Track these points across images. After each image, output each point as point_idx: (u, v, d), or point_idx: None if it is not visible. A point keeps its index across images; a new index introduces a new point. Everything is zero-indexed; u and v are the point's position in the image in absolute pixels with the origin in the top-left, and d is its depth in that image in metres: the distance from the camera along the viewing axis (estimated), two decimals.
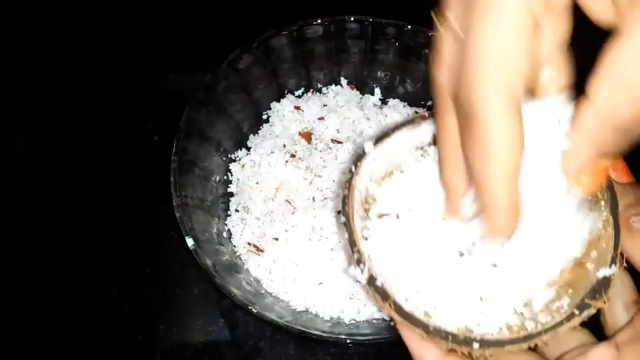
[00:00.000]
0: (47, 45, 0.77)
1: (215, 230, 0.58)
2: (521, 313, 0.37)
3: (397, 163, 0.42)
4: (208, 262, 0.50)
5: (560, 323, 0.34)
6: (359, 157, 0.40)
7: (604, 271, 0.35)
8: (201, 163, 0.59)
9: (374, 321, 0.54)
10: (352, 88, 0.67)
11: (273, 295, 0.55)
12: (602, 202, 0.36)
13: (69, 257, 0.62)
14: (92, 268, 0.62)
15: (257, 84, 0.64)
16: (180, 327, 0.59)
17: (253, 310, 0.48)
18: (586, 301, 0.34)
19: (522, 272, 0.38)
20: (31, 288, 0.61)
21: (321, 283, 0.54)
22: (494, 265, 0.38)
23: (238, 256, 0.58)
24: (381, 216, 0.40)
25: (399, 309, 0.36)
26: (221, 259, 0.54)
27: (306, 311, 0.54)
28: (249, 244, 0.58)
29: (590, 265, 0.36)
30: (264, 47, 0.61)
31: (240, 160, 0.64)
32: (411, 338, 0.35)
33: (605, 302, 0.34)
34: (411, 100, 0.66)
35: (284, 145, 0.62)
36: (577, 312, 0.34)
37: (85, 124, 0.71)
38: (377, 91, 0.67)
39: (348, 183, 0.39)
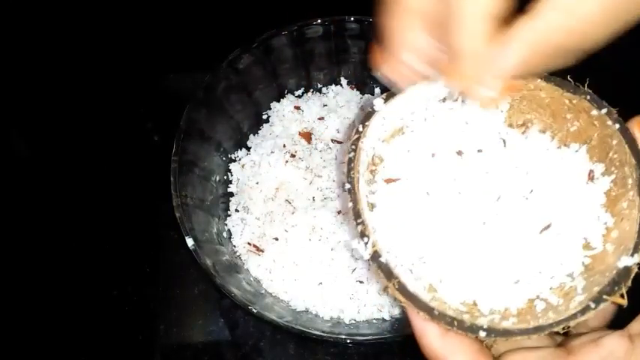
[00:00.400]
0: (47, 45, 0.76)
1: (215, 230, 0.58)
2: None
3: (407, 121, 0.38)
4: (208, 262, 0.50)
5: (574, 316, 0.32)
6: (367, 115, 0.36)
7: (625, 260, 0.32)
8: (201, 163, 0.59)
9: (374, 321, 0.54)
10: (352, 88, 0.67)
11: (273, 295, 0.55)
12: (630, 181, 0.34)
13: (69, 257, 0.62)
14: (92, 268, 0.62)
15: (257, 84, 0.64)
16: (180, 327, 0.59)
17: (253, 310, 0.48)
18: (604, 296, 0.32)
19: (535, 249, 0.36)
20: (31, 288, 0.61)
21: (321, 283, 0.54)
22: (507, 239, 0.36)
23: (238, 256, 0.58)
24: (389, 181, 0.38)
25: (403, 289, 0.33)
26: (221, 259, 0.54)
27: (306, 311, 0.54)
28: (249, 244, 0.58)
29: (609, 247, 0.34)
30: (264, 47, 0.61)
31: (240, 160, 0.64)
32: (414, 315, 0.34)
33: (623, 296, 0.32)
34: None
35: (284, 145, 0.62)
36: (592, 305, 0.32)
37: (85, 124, 0.71)
38: (377, 91, 0.67)
39: (354, 145, 0.35)
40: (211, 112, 0.59)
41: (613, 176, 0.35)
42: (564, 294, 0.34)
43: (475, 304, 0.35)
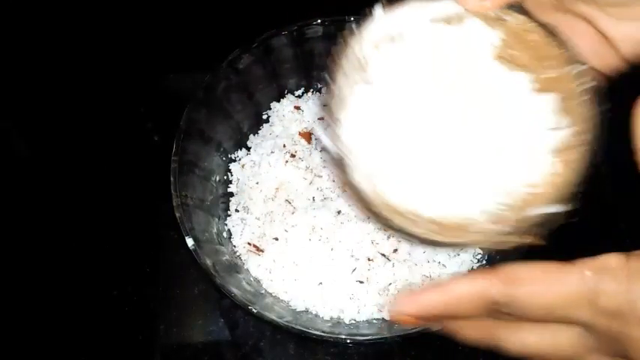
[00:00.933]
0: (47, 45, 0.76)
1: (215, 230, 0.58)
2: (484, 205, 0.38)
3: (401, 32, 0.39)
4: (208, 262, 0.50)
5: (491, 244, 0.37)
6: (364, 19, 0.38)
7: (551, 208, 0.38)
8: (201, 163, 0.59)
9: (374, 321, 0.54)
10: None
11: (273, 295, 0.55)
12: (583, 137, 0.39)
13: (69, 257, 0.62)
14: (92, 268, 0.62)
15: (257, 84, 0.64)
16: (180, 327, 0.59)
17: (253, 310, 0.48)
18: (519, 237, 0.38)
19: (483, 172, 0.38)
20: (31, 288, 0.61)
21: (321, 283, 0.54)
22: (461, 156, 0.38)
23: (238, 256, 0.58)
24: (370, 82, 0.39)
25: (351, 185, 0.37)
26: (221, 259, 0.54)
27: (306, 311, 0.54)
28: (249, 244, 0.58)
29: (548, 188, 0.39)
30: (264, 47, 0.61)
31: (240, 160, 0.64)
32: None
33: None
34: None
35: (284, 145, 0.62)
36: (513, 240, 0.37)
37: (85, 124, 0.70)
38: None
39: (345, 41, 0.38)
40: (211, 112, 0.59)
41: (571, 129, 0.39)
42: (496, 218, 0.37)
43: (419, 211, 0.37)
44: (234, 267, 0.56)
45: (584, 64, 0.37)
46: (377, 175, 0.38)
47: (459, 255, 0.56)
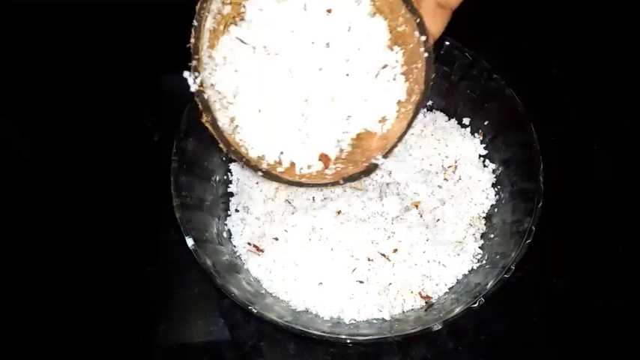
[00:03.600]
0: (48, 46, 0.77)
1: (215, 230, 0.58)
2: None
3: None
4: (208, 262, 0.50)
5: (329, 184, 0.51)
6: None
7: (377, 159, 0.50)
8: (201, 163, 0.59)
9: (374, 321, 0.54)
10: None
11: (273, 295, 0.55)
12: (414, 97, 0.47)
13: (69, 257, 0.62)
14: (92, 268, 0.62)
15: None
16: (180, 327, 0.59)
17: (253, 310, 0.48)
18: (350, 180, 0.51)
19: (329, 115, 0.47)
20: (32, 288, 0.61)
21: (321, 283, 0.54)
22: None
23: (238, 256, 0.58)
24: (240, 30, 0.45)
25: (214, 124, 0.47)
26: (221, 259, 0.54)
27: (306, 311, 0.54)
28: (249, 244, 0.58)
29: (379, 137, 0.49)
30: None
31: None
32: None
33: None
34: None
35: None
36: (341, 182, 0.51)
37: (86, 124, 0.71)
38: None
39: None
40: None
41: (407, 85, 0.48)
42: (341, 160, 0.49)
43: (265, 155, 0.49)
44: (234, 267, 0.56)
45: (420, 17, 0.44)
46: (237, 123, 0.47)
47: (458, 255, 0.56)
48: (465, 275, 0.56)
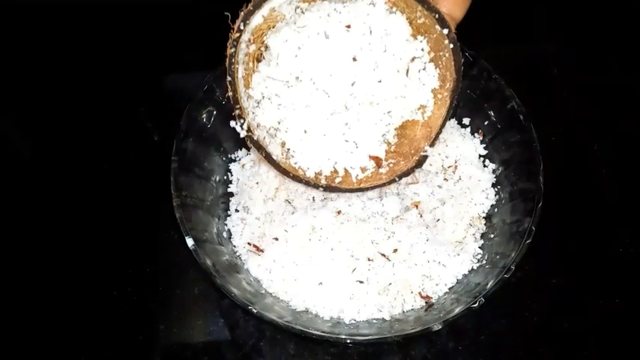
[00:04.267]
0: (48, 46, 0.77)
1: (215, 230, 0.58)
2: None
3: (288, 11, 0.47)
4: (208, 262, 0.50)
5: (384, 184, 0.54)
6: (247, 14, 0.44)
7: (426, 150, 0.53)
8: (201, 163, 0.59)
9: (374, 321, 0.54)
10: None
11: (273, 295, 0.55)
12: (448, 85, 0.48)
13: (69, 257, 0.62)
14: (92, 268, 0.62)
15: None
16: (180, 327, 0.59)
17: (253, 310, 0.48)
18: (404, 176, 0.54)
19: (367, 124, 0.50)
20: (32, 288, 0.61)
21: (321, 283, 0.54)
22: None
23: (238, 256, 0.58)
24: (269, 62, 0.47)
25: (269, 157, 0.50)
26: (221, 259, 0.54)
27: (306, 311, 0.54)
28: (249, 244, 0.58)
29: (421, 130, 0.52)
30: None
31: (240, 160, 0.64)
32: None
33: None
34: None
35: None
36: (397, 179, 0.54)
37: (86, 125, 0.71)
38: None
39: (235, 41, 0.44)
40: (211, 112, 0.59)
41: (440, 72, 0.49)
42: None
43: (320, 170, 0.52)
44: (234, 267, 0.56)
45: (438, 12, 0.45)
46: (288, 147, 0.50)
47: (458, 255, 0.56)
48: (465, 275, 0.56)
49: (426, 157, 0.52)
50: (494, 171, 0.61)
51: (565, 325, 0.58)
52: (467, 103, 0.63)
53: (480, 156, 0.63)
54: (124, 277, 0.61)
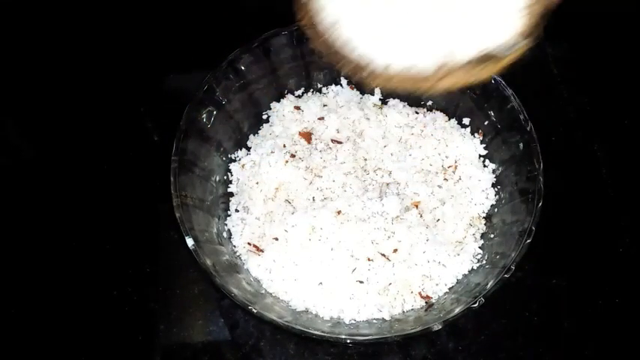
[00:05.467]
0: (48, 46, 0.77)
1: (215, 230, 0.58)
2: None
3: None
4: (208, 262, 0.50)
5: None
6: None
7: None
8: (201, 163, 0.59)
9: (374, 321, 0.54)
10: (352, 88, 0.67)
11: (273, 295, 0.55)
12: None
13: (69, 257, 0.62)
14: (92, 268, 0.62)
15: (257, 84, 0.64)
16: (180, 327, 0.59)
17: (253, 310, 0.48)
18: None
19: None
20: (32, 288, 0.61)
21: (321, 283, 0.54)
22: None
23: (238, 256, 0.58)
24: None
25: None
26: (221, 259, 0.54)
27: (306, 311, 0.54)
28: (249, 244, 0.58)
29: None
30: (264, 47, 0.61)
31: (240, 160, 0.64)
32: None
33: None
34: (410, 100, 0.66)
35: (284, 145, 0.62)
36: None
37: (86, 125, 0.70)
38: (377, 90, 0.67)
39: None
40: (211, 112, 0.59)
41: None
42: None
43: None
44: (234, 267, 0.56)
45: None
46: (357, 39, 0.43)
47: (458, 255, 0.56)
48: (465, 275, 0.56)
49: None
50: (494, 171, 0.61)
51: (565, 325, 0.58)
52: (467, 103, 0.63)
53: (480, 156, 0.63)
54: (124, 277, 0.61)
